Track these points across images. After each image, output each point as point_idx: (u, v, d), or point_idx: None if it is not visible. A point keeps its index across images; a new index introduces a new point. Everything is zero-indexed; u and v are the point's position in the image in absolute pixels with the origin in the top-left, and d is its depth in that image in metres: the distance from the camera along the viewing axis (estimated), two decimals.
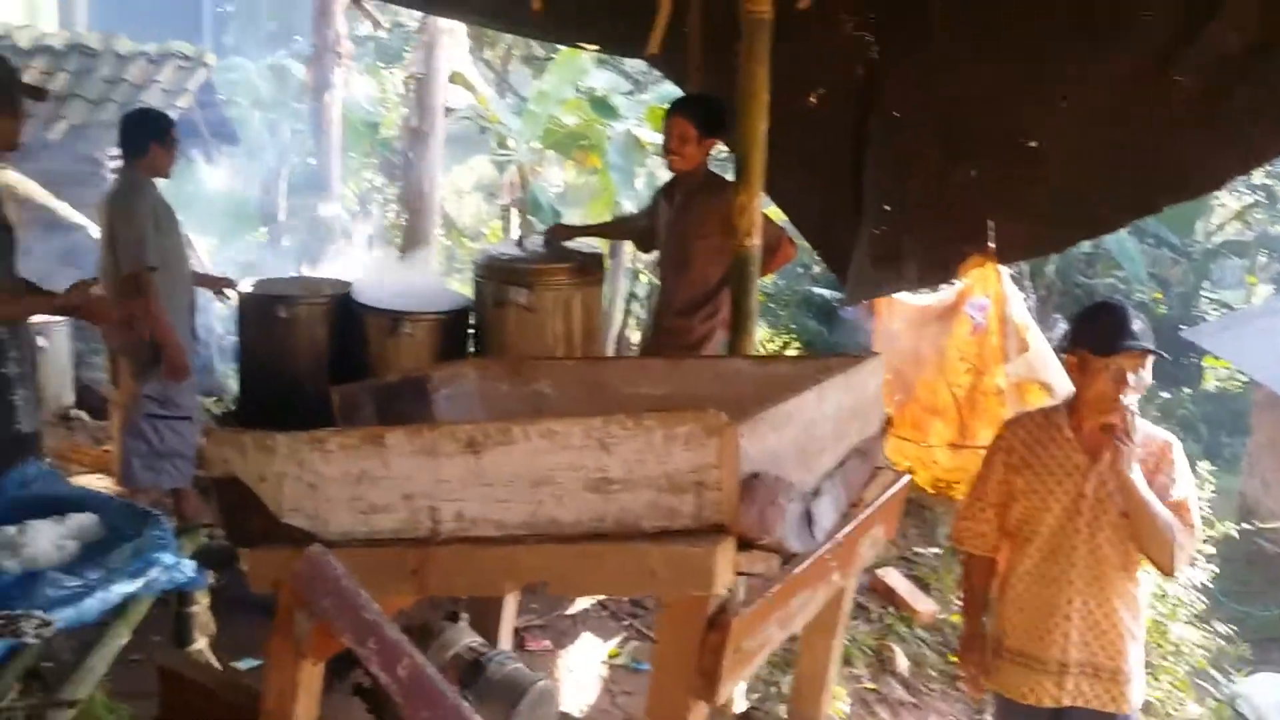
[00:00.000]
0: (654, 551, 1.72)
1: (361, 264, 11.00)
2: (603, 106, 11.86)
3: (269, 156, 11.73)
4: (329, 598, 1.85)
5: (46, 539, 2.79)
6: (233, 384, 6.87)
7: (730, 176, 4.08)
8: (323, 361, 5.63)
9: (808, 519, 1.82)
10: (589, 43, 7.04)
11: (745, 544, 1.72)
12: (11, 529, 2.81)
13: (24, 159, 5.35)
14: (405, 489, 1.86)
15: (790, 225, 6.19)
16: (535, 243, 5.65)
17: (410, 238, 9.88)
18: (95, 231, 7.11)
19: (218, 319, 7.40)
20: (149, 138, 4.80)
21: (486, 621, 2.49)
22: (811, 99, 5.41)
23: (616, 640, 4.66)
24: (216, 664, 3.14)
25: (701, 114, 4.77)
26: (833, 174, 5.55)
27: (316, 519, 1.95)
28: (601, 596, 4.94)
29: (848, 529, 2.06)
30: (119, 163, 4.98)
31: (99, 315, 4.35)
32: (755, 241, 3.67)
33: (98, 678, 2.48)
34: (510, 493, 1.80)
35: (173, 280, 4.84)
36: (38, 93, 4.03)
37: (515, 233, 13.21)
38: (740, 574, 1.74)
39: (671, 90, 11.02)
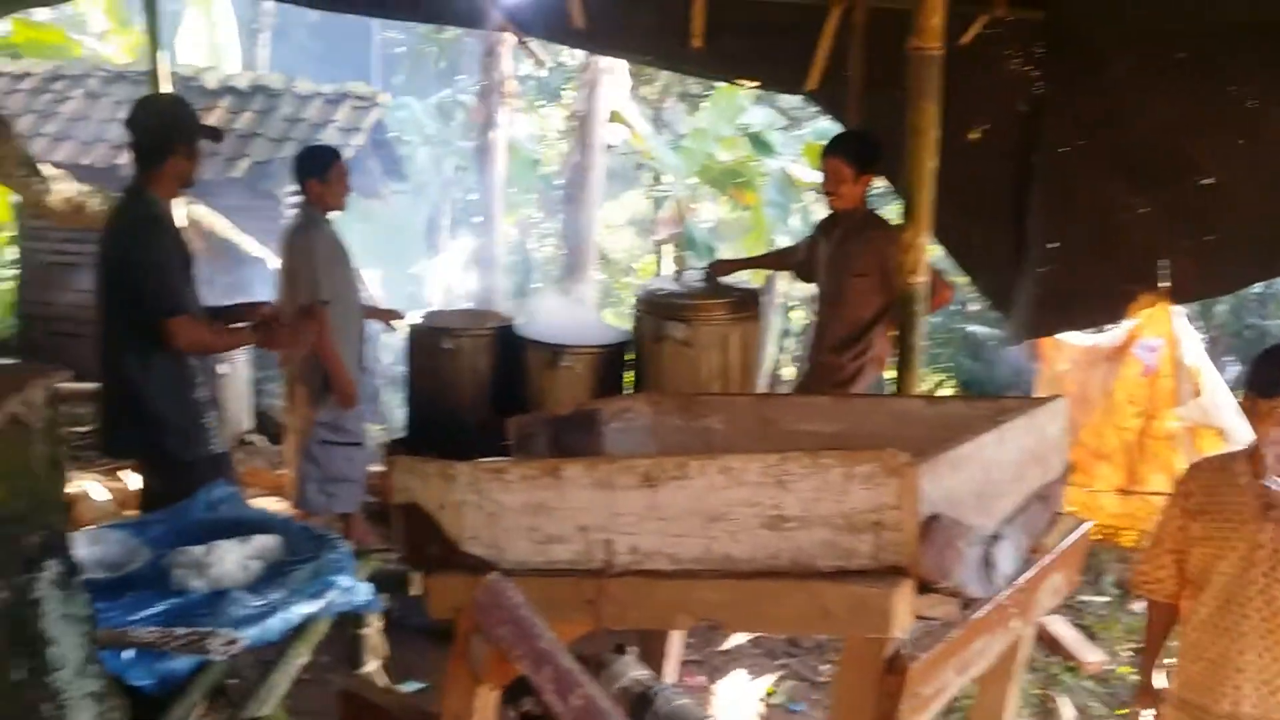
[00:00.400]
0: (830, 591, 1.71)
1: (522, 297, 11.27)
2: (759, 143, 11.92)
3: (433, 192, 12.11)
4: (506, 625, 1.90)
5: (232, 560, 2.91)
6: (398, 413, 7.09)
7: (886, 211, 4.06)
8: (485, 392, 5.78)
9: (987, 563, 1.78)
10: (747, 79, 7.08)
11: (924, 587, 1.70)
12: (199, 549, 2.93)
13: (209, 194, 5.67)
14: (581, 520, 1.90)
15: (950, 262, 6.11)
16: (693, 278, 5.69)
17: (569, 271, 10.07)
18: (274, 263, 7.47)
19: (385, 349, 7.65)
20: (308, 174, 5.00)
21: (653, 655, 2.50)
22: (973, 135, 5.35)
23: (772, 679, 4.62)
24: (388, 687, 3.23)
25: (856, 151, 4.76)
26: (995, 211, 5.47)
27: (495, 547, 2.00)
28: (758, 634, 4.92)
29: (1028, 575, 2.01)
30: (298, 198, 5.20)
31: (279, 342, 4.51)
32: (922, 279, 3.64)
33: (280, 696, 2.57)
34: (685, 527, 1.82)
35: (344, 312, 5.02)
36: (216, 134, 4.22)
37: (667, 268, 13.34)
38: (919, 618, 1.72)
39: (828, 126, 11.02)
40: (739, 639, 4.91)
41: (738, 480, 1.76)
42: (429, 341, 5.71)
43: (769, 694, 4.51)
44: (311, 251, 4.90)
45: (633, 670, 2.27)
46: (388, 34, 20.46)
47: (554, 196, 14.48)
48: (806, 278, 5.55)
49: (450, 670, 2.02)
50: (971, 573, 1.74)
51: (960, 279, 6.80)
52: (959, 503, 1.76)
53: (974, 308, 12.80)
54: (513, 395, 5.73)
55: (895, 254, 4.49)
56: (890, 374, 4.73)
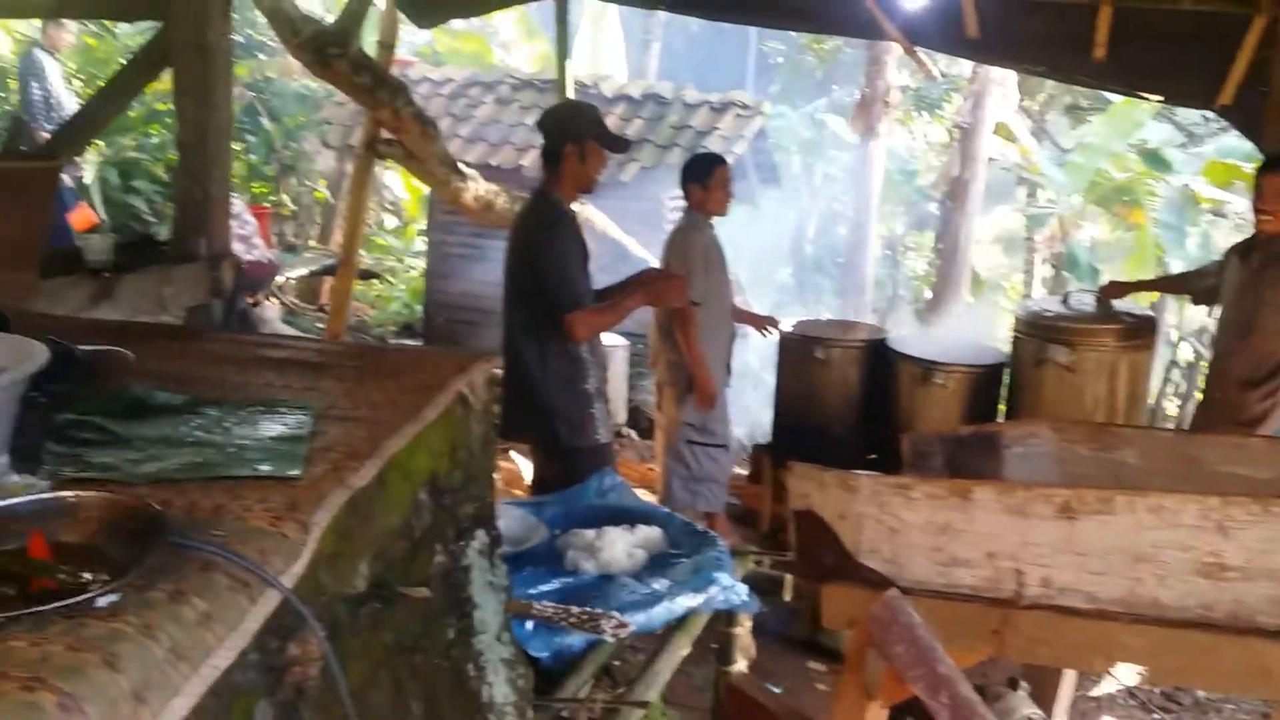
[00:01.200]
0: (1274, 651, 1.56)
1: (892, 311, 11.12)
2: (1154, 159, 11.15)
3: (804, 201, 12.17)
4: (903, 644, 1.86)
5: (620, 546, 3.02)
6: (763, 418, 7.17)
7: None
8: (853, 404, 5.75)
9: None
10: (1149, 93, 6.63)
11: None
12: (590, 533, 3.06)
13: (599, 196, 5.95)
14: (989, 546, 1.84)
15: None
16: (1080, 300, 5.40)
17: (942, 287, 9.83)
18: (656, 266, 7.75)
19: (755, 355, 7.75)
20: (691, 179, 5.13)
21: (1044, 691, 2.39)
22: None
23: None
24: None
25: None
26: None
27: (894, 563, 1.97)
28: (1132, 683, 4.59)
29: None
30: (682, 203, 5.36)
31: (664, 295, 4.44)
32: None
33: (662, 683, 2.65)
34: (1106, 565, 1.72)
35: (714, 316, 5.12)
36: (619, 143, 4.33)
37: (1038, 288, 12.71)
38: None
39: (1233, 143, 10.13)
40: (1110, 685, 4.60)
41: (1170, 521, 1.65)
42: (800, 350, 5.75)
43: None
44: (686, 252, 5.04)
45: (1025, 708, 2.18)
46: (767, 44, 20.75)
47: (926, 210, 14.18)
48: (1201, 300, 5.19)
49: (842, 683, 2.01)
50: None
51: None
52: None
53: None
54: (880, 409, 5.68)
55: None
56: None
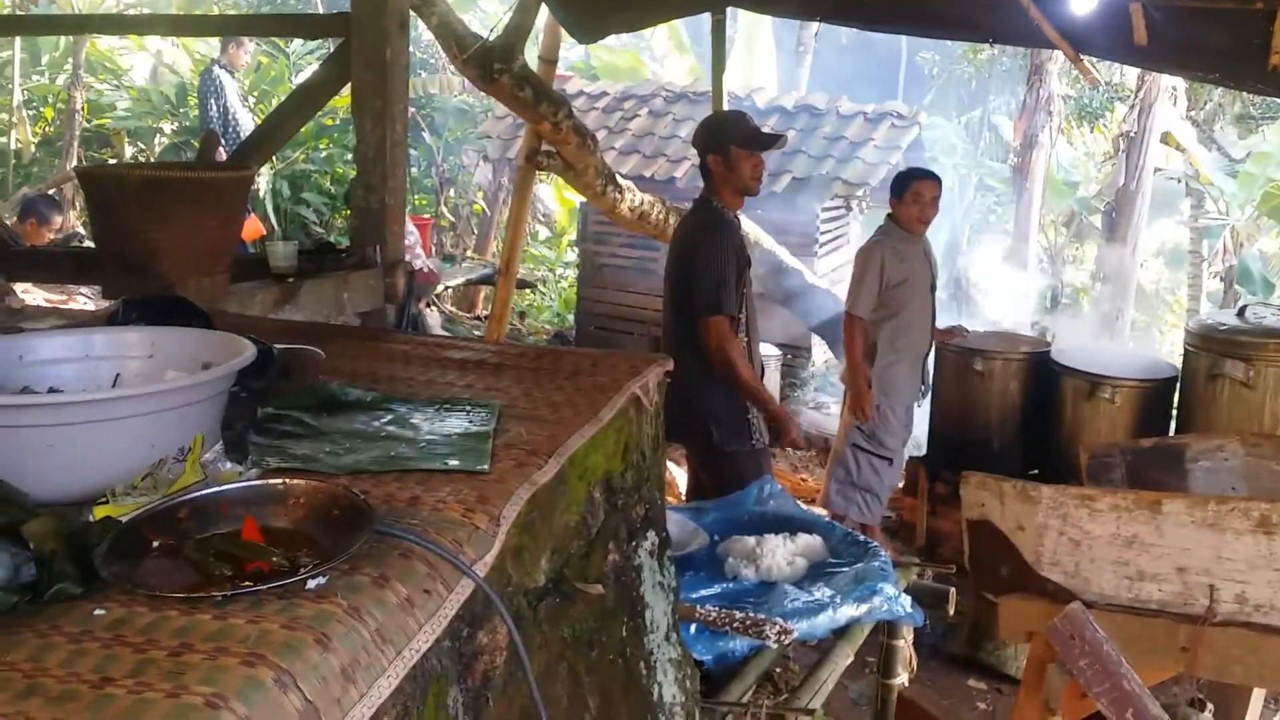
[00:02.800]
0: None
1: (1053, 323, 10.81)
2: None
3: (961, 212, 11.95)
4: (1086, 659, 1.81)
5: (781, 554, 3.01)
6: (919, 431, 7.06)
7: None
8: (1013, 417, 5.60)
9: None
10: None
11: None
12: (750, 540, 3.06)
13: (751, 207, 5.93)
14: (1180, 561, 1.77)
15: None
16: (1257, 313, 5.16)
17: (1105, 300, 9.53)
18: (809, 276, 7.71)
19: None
20: (891, 191, 5.09)
21: (1229, 714, 2.29)
22: None
23: None
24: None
25: None
26: None
27: (1076, 577, 1.92)
28: None
29: None
30: (834, 213, 5.31)
31: (781, 429, 4.33)
32: None
33: (827, 691, 2.62)
34: None
35: (898, 330, 5.05)
36: (766, 141, 4.30)
37: (1204, 302, 12.17)
38: None
39: None
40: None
41: None
42: (960, 362, 5.63)
43: None
44: (861, 262, 5.04)
45: None
46: (921, 56, 20.46)
47: (1087, 221, 13.75)
48: None
49: (1021, 696, 1.96)
50: None
51: None
52: None
53: None
54: (1042, 424, 5.52)
55: None
56: None
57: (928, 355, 5.23)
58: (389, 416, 1.71)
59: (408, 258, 7.56)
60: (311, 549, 1.24)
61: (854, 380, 5.06)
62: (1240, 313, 5.27)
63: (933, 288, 5.19)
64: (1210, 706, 2.18)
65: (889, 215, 5.11)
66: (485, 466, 1.52)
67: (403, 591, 1.20)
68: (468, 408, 1.78)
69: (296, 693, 0.99)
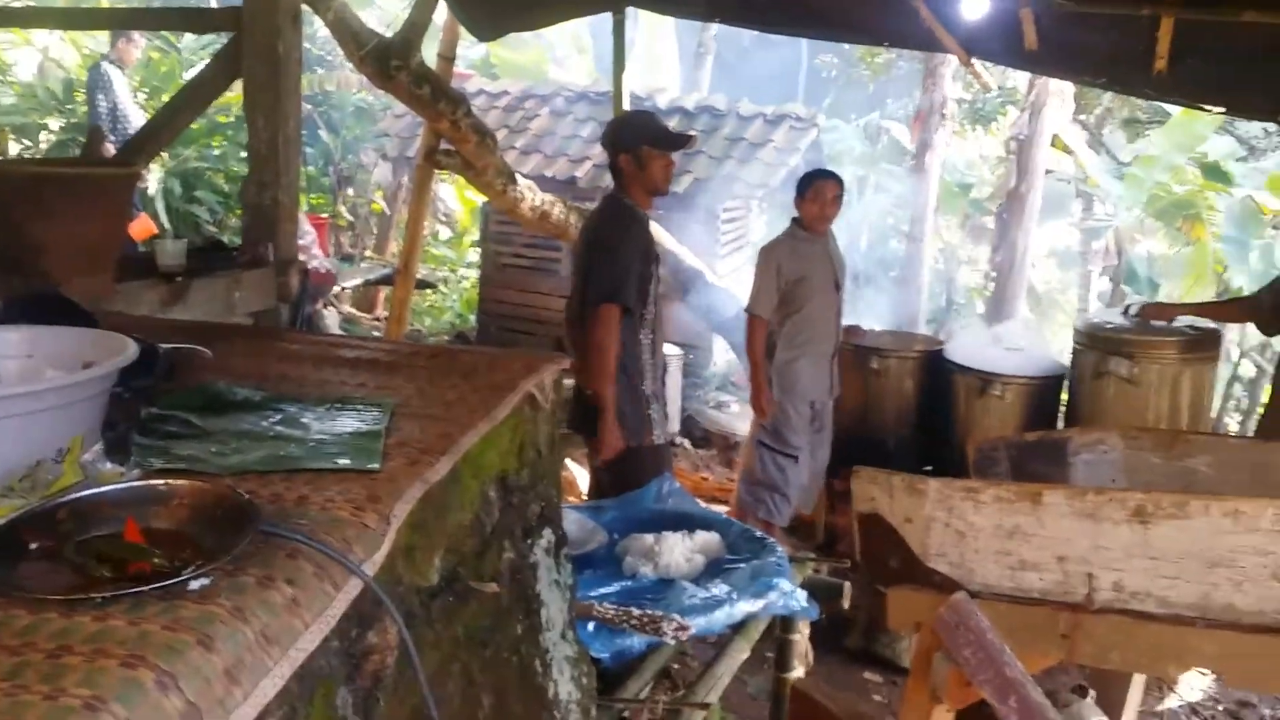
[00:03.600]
0: None
1: (947, 322, 11.04)
2: (1216, 173, 11.01)
3: (857, 213, 12.14)
4: (971, 648, 1.86)
5: (679, 551, 3.03)
6: None
7: None
8: (909, 414, 5.73)
9: None
10: (1212, 105, 6.52)
11: None
12: (649, 538, 3.08)
13: (654, 207, 5.95)
14: (1060, 550, 1.83)
15: None
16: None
17: (998, 300, 9.77)
18: (709, 276, 7.76)
19: None
20: (796, 196, 5.14)
21: (1111, 699, 2.37)
22: None
23: None
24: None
25: None
26: None
27: (961, 567, 1.96)
28: (1196, 699, 4.54)
29: None
30: (735, 214, 5.37)
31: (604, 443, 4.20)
32: None
33: (723, 686, 2.65)
34: (1179, 570, 1.70)
35: (801, 328, 5.10)
36: (677, 141, 4.31)
37: (1094, 302, 12.56)
38: None
39: None
40: (1173, 700, 4.55)
41: (1248, 526, 1.63)
42: (856, 361, 5.72)
43: None
44: (761, 261, 5.10)
45: (1093, 716, 2.15)
46: (820, 59, 20.74)
47: (980, 223, 14.08)
48: (1269, 329, 5.03)
49: (909, 686, 2.01)
50: None
51: None
52: None
53: None
54: (936, 421, 5.65)
55: None
56: None
57: (834, 354, 5.27)
58: (278, 416, 1.69)
59: (304, 257, 7.47)
60: (195, 550, 1.22)
61: (754, 377, 5.13)
62: (1125, 312, 5.45)
63: (838, 286, 5.24)
64: (1093, 692, 2.25)
65: (794, 216, 5.17)
66: (376, 465, 1.50)
67: (289, 592, 1.18)
68: (360, 407, 1.76)
69: (178, 694, 0.98)
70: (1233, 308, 5.89)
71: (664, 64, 15.44)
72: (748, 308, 5.15)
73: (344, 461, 1.51)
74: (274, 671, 1.10)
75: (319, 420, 1.69)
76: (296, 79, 3.84)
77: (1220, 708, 4.52)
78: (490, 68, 12.56)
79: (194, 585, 1.13)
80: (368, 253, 11.64)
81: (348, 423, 1.68)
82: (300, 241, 7.60)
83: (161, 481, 1.34)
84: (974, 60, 5.80)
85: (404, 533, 1.45)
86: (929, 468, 5.64)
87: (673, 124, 9.00)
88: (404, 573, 1.48)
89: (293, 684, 1.16)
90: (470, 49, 12.61)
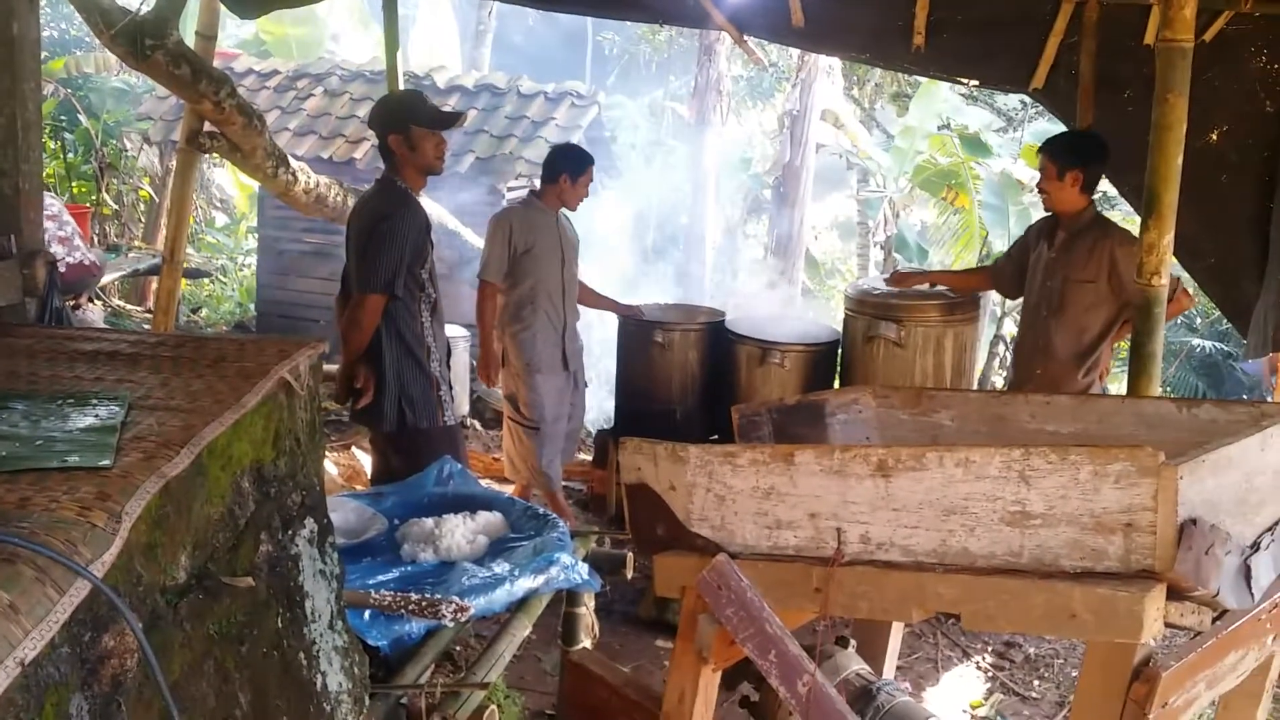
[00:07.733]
0: (1076, 592, 1.66)
1: (731, 294, 11.30)
2: (974, 144, 11.62)
3: (643, 189, 12.29)
4: (733, 608, 1.92)
5: (460, 533, 3.02)
6: (606, 404, 7.20)
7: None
8: (694, 385, 5.85)
9: (1246, 574, 1.69)
10: (967, 78, 6.87)
11: (1176, 594, 1.63)
12: (430, 522, 3.06)
13: (434, 187, 5.88)
14: (812, 507, 1.90)
15: (1183, 271, 5.80)
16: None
17: (776, 271, 10.06)
18: None
19: (596, 342, 7.80)
20: (564, 170, 5.19)
21: (873, 649, 2.48)
22: (1213, 137, 5.08)
23: (981, 692, 4.50)
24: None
25: (1074, 149, 4.58)
26: (1235, 218, 5.16)
27: (722, 530, 2.02)
28: (967, 645, 4.81)
29: None
30: (519, 193, 5.40)
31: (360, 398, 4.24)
32: (1163, 282, 3.48)
33: (504, 665, 2.65)
34: (919, 519, 1.79)
35: (535, 298, 5.23)
36: (446, 120, 4.27)
37: (872, 270, 13.12)
38: (1168, 625, 1.65)
39: (1046, 127, 10.62)
40: (946, 650, 4.81)
41: (977, 474, 1.73)
42: (641, 335, 5.81)
43: (974, 707, 4.40)
44: (491, 229, 5.24)
45: (854, 664, 2.25)
46: (602, 36, 20.87)
47: (761, 196, 14.47)
48: (1013, 292, 5.31)
49: (677, 648, 2.05)
50: (1228, 583, 1.66)
51: (1196, 290, 6.46)
52: (1218, 509, 1.68)
53: (1199, 321, 12.14)
54: (721, 390, 5.79)
55: (1126, 259, 4.31)
56: (1114, 384, 4.53)
57: (566, 330, 5.37)
58: (2, 415, 1.59)
59: (65, 250, 7.05)
60: None
61: (482, 344, 5.22)
62: (890, 278, 5.69)
63: (568, 260, 5.33)
64: (854, 642, 2.36)
65: (532, 189, 5.31)
66: (108, 461, 1.44)
67: (5, 598, 1.12)
68: (94, 401, 1.68)
69: None
70: (976, 275, 6.18)
71: (445, 42, 15.20)
72: (479, 274, 5.20)
73: (73, 459, 1.44)
74: None
75: (48, 418, 1.60)
76: (35, 59, 3.60)
77: (990, 649, 4.82)
78: (260, 44, 12.09)
79: None
80: (136, 242, 11.07)
81: (80, 419, 1.59)
82: (61, 233, 7.18)
83: None
84: (746, 37, 5.93)
85: (143, 530, 1.39)
86: (715, 437, 5.78)
87: (452, 102, 8.91)
88: (144, 571, 1.42)
89: (17, 695, 1.11)
90: (240, 27, 12.12)
